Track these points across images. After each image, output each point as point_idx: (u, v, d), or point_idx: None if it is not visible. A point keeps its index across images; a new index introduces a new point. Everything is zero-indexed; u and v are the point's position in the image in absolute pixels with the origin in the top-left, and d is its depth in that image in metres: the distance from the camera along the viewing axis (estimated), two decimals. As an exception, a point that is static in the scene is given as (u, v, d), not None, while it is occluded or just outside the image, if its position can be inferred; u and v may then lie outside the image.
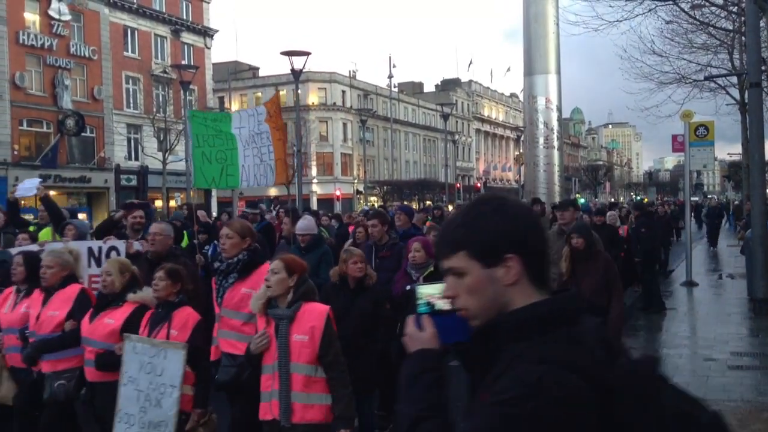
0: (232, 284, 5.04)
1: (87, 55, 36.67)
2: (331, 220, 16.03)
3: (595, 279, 6.20)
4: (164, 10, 42.46)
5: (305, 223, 7.47)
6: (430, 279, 5.65)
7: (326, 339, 4.11)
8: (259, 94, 63.91)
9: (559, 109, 29.44)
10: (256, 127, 8.10)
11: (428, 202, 51.14)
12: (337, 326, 4.68)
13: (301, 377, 4.08)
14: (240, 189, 8.60)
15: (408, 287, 5.84)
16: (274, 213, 15.71)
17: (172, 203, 39.66)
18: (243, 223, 5.43)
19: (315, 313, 4.15)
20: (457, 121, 78.44)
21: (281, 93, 61.78)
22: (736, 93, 23.23)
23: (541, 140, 32.24)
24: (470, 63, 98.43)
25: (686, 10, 18.71)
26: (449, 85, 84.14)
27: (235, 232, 5.12)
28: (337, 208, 46.64)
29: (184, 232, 9.53)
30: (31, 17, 34.35)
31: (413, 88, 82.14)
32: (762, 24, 15.66)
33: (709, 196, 64.59)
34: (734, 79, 22.26)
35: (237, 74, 61.85)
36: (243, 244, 5.10)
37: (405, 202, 53.45)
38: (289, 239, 8.12)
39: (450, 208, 29.19)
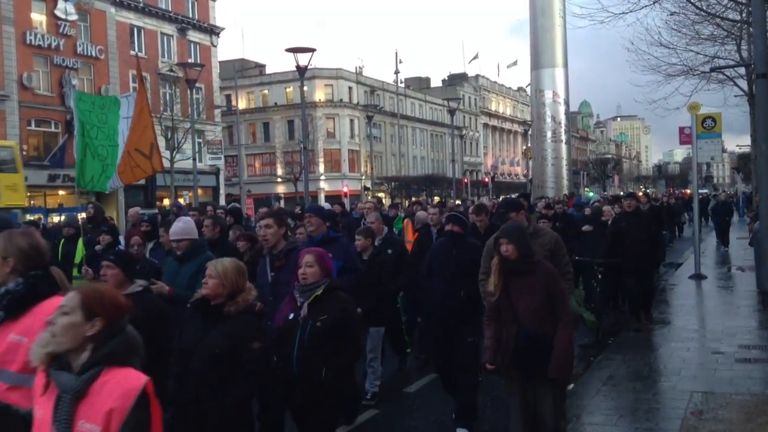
0: None
1: (94, 54, 36.79)
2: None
3: (535, 298, 4.81)
4: (170, 9, 42.55)
5: (181, 226, 6.09)
6: (318, 305, 4.56)
7: None
8: (266, 91, 64.00)
9: (567, 103, 29.34)
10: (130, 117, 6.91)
11: (436, 198, 51.05)
12: (188, 364, 3.94)
13: None
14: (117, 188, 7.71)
15: (291, 316, 4.63)
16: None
17: (180, 201, 39.80)
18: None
19: (119, 390, 2.50)
20: (464, 116, 78.31)
21: (288, 90, 61.89)
22: (744, 84, 23.05)
23: (549, 134, 32.21)
24: (474, 57, 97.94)
25: (692, 0, 18.57)
26: (456, 80, 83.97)
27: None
28: (346, 205, 46.63)
29: (80, 240, 8.10)
30: (38, 17, 34.49)
31: (420, 84, 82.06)
32: (769, 14, 15.51)
33: (718, 190, 64.18)
34: (742, 70, 22.09)
35: (243, 72, 61.88)
36: (5, 267, 3.46)
37: (413, 198, 53.45)
38: (170, 249, 6.71)
39: (458, 202, 29.11)
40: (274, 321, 4.76)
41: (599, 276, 10.05)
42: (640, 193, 24.18)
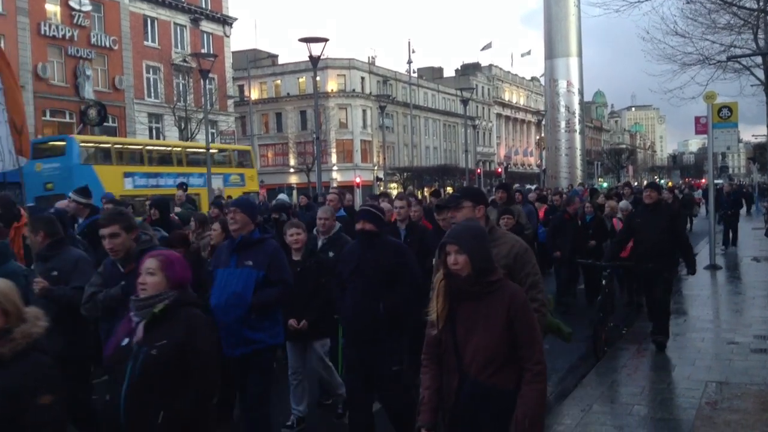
0: None
1: (108, 45, 36.94)
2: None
3: (491, 335, 3.23)
4: (183, -1, 42.67)
5: None
6: (157, 327, 3.40)
7: None
8: (279, 81, 64.04)
9: (581, 93, 29.16)
10: None
11: (449, 189, 50.97)
12: None
13: None
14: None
15: (124, 342, 3.45)
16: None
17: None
18: None
19: None
20: (477, 106, 78.04)
21: (301, 81, 61.87)
22: (760, 73, 22.85)
23: (563, 124, 32.07)
24: (487, 45, 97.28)
25: (708, -11, 18.41)
26: (469, 70, 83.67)
27: None
28: (358, 195, 46.64)
29: None
30: (52, 8, 34.66)
31: (433, 74, 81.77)
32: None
33: (733, 180, 63.51)
34: (758, 60, 21.89)
35: (256, 62, 61.89)
36: None
37: (426, 188, 53.41)
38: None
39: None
40: (106, 347, 3.66)
41: (603, 281, 9.28)
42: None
